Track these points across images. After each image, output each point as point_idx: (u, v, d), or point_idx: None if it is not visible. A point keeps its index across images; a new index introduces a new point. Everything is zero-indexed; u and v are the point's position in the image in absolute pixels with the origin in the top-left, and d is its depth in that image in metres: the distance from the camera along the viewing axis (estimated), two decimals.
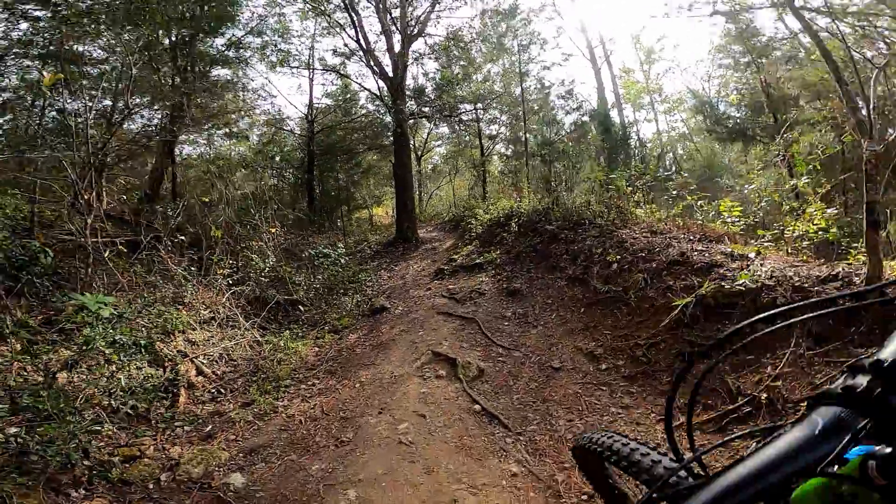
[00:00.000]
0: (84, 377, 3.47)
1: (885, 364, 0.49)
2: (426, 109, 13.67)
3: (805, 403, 0.59)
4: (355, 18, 11.77)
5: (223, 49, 10.49)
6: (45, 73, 5.11)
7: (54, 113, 6.60)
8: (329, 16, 12.27)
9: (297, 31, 13.45)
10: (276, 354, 5.34)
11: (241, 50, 10.91)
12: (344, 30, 12.46)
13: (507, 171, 18.49)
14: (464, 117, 14.97)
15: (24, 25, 6.80)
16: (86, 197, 5.76)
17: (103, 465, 2.73)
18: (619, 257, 4.90)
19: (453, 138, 19.50)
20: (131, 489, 2.67)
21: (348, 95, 15.78)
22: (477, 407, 3.58)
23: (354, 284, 8.29)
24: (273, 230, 8.13)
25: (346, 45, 12.86)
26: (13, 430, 2.66)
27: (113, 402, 3.36)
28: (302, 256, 8.73)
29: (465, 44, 13.11)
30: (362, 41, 12.01)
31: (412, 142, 16.00)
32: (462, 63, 13.79)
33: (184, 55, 9.07)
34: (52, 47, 6.78)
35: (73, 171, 5.59)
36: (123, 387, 3.50)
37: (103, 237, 6.48)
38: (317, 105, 15.23)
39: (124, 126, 9.06)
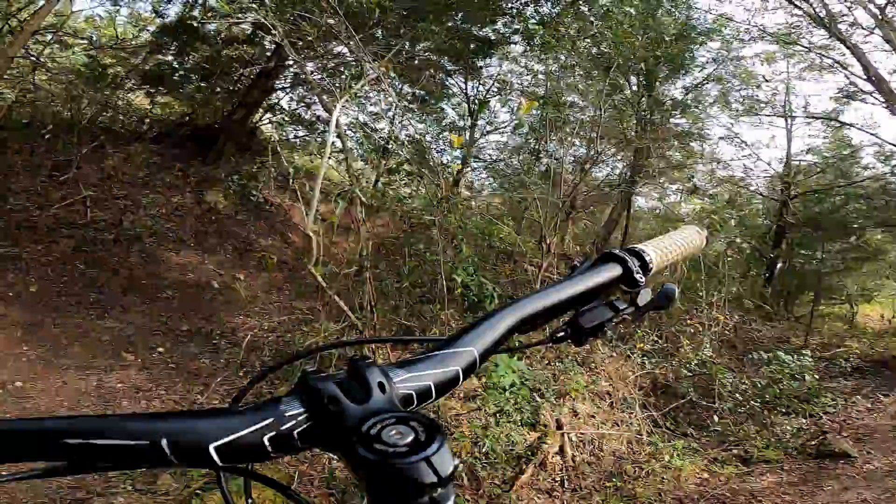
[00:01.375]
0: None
1: None
2: None
3: None
4: (856, 52, 8.51)
5: (680, 97, 9.84)
6: (523, 101, 5.67)
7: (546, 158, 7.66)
8: (812, 51, 9.39)
9: (761, 74, 11.01)
10: (652, 463, 3.87)
11: (699, 98, 10.03)
12: (836, 69, 9.39)
13: None
14: None
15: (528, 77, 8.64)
16: (548, 241, 5.99)
17: None
18: None
19: None
20: None
21: (845, 151, 11.69)
22: None
23: (805, 406, 5.48)
24: (721, 318, 6.33)
25: (851, 82, 9.34)
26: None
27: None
28: (740, 350, 6.59)
29: None
30: (872, 78, 8.53)
31: None
32: None
33: (644, 104, 8.90)
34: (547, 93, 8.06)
35: (544, 211, 5.96)
36: (486, 451, 3.07)
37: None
38: (795, 162, 12.08)
39: (592, 172, 9.72)
